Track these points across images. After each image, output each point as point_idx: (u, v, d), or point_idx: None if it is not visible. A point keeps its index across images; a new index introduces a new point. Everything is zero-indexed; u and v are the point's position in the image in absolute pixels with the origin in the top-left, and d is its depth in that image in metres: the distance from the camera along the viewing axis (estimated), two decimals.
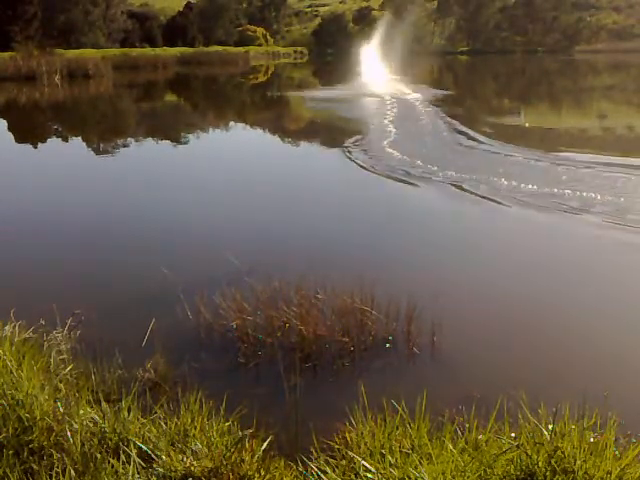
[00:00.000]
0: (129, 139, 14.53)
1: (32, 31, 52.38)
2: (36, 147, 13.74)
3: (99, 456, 2.37)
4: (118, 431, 2.56)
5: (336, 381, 3.63)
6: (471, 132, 13.03)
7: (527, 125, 14.92)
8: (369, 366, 3.77)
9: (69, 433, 2.48)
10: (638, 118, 17.73)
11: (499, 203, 7.37)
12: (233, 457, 2.41)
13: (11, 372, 2.85)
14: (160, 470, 2.34)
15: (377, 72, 29.29)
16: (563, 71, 42.85)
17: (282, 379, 3.43)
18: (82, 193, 8.57)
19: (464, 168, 9.01)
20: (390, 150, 10.77)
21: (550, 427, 2.48)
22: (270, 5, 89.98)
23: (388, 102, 18.78)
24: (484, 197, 7.63)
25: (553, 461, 2.27)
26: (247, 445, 2.52)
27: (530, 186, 7.90)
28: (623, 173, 8.79)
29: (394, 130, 13.12)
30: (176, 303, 4.33)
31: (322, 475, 2.40)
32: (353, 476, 2.37)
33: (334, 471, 2.43)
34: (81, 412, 2.66)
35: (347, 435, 2.75)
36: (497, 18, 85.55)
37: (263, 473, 2.40)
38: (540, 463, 2.28)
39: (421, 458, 2.36)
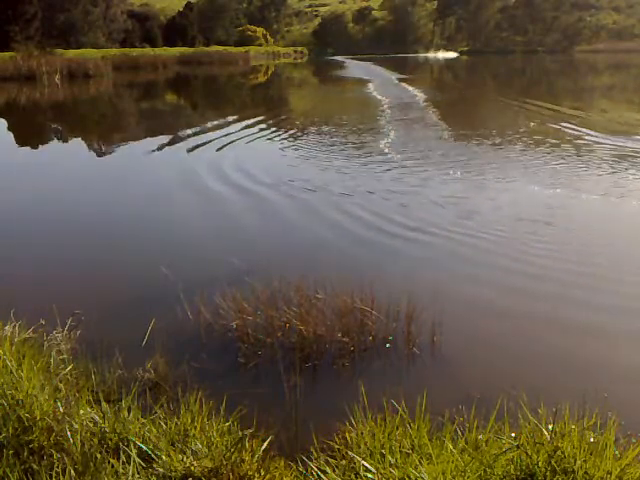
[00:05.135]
0: (129, 139, 14.52)
1: (32, 31, 52.46)
2: (36, 147, 13.73)
3: (99, 456, 2.37)
4: (118, 431, 2.56)
5: (336, 381, 3.63)
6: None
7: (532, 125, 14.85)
8: (369, 366, 3.77)
9: (69, 433, 2.48)
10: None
11: None
12: (233, 457, 2.41)
13: (11, 372, 2.85)
14: (160, 470, 2.34)
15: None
16: (564, 71, 42.83)
17: (282, 379, 3.43)
18: (82, 192, 8.57)
19: None
20: None
21: (550, 427, 2.48)
22: (270, 5, 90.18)
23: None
24: None
25: (553, 461, 2.27)
26: (247, 445, 2.52)
27: None
28: None
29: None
30: (176, 303, 4.33)
31: (322, 475, 2.40)
32: (353, 476, 2.37)
33: (334, 471, 2.43)
34: (81, 412, 2.66)
35: (347, 435, 2.74)
36: (497, 18, 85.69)
37: (263, 473, 2.41)
38: (540, 463, 2.28)
39: (421, 458, 2.36)
